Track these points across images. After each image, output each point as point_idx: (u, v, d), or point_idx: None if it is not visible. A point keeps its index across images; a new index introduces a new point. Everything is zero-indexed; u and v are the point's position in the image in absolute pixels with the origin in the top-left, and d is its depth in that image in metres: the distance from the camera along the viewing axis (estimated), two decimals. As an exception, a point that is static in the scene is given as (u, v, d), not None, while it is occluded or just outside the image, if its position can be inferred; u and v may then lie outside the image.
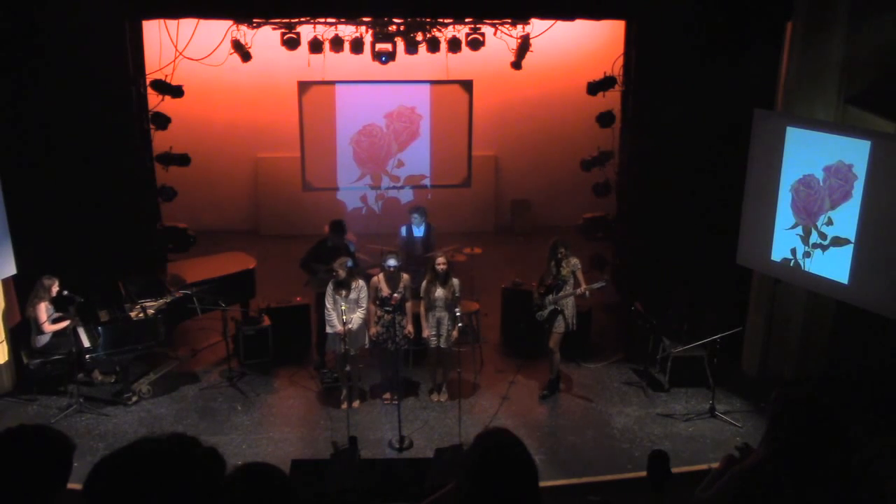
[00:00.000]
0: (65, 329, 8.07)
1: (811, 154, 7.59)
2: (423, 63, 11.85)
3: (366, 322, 8.04)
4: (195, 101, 10.99)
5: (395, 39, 10.98)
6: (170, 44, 10.22)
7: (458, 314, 7.82)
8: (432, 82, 12.70)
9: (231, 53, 10.89)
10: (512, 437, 2.48)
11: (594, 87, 10.33)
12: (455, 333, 8.00)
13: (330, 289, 7.93)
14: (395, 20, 10.80)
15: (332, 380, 8.61)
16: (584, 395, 8.56)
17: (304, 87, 12.52)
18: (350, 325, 7.77)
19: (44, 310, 8.02)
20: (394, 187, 13.31)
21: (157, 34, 10.16)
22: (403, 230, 9.93)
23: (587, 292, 8.16)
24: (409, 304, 8.13)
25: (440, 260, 8.00)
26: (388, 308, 7.99)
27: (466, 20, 10.75)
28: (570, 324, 8.21)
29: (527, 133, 13.12)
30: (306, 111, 12.71)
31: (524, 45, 11.25)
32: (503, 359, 9.39)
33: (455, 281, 8.06)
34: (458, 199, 13.29)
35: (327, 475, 6.79)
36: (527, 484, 2.41)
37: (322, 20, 10.65)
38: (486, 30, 11.07)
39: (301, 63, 11.44)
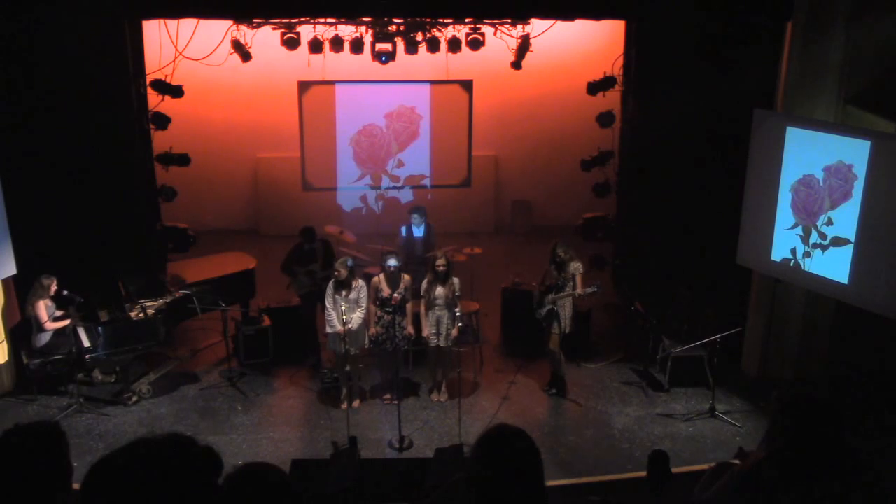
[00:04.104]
0: (65, 329, 8.08)
1: (811, 154, 7.59)
2: (423, 63, 11.86)
3: (366, 322, 8.04)
4: (195, 101, 11.00)
5: (395, 39, 10.98)
6: (170, 44, 10.22)
7: (458, 313, 7.83)
8: (432, 82, 12.70)
9: (231, 53, 10.89)
10: (517, 429, 2.49)
11: (594, 87, 10.35)
12: (455, 332, 8.00)
13: (330, 289, 7.92)
14: (395, 20, 10.80)
15: (332, 380, 8.62)
16: (583, 395, 8.56)
17: (304, 87, 12.53)
18: (350, 325, 7.77)
19: (44, 308, 8.02)
20: (394, 187, 13.31)
21: (157, 34, 10.17)
22: (403, 230, 9.93)
23: (582, 296, 8.15)
24: (409, 305, 8.13)
25: (440, 261, 8.00)
26: (388, 309, 7.99)
27: (466, 20, 10.75)
28: (564, 326, 8.20)
29: (527, 133, 13.12)
30: (306, 111, 12.71)
31: (524, 45, 11.24)
32: (503, 359, 9.39)
33: (455, 280, 8.05)
34: (458, 199, 13.29)
35: (327, 475, 6.79)
36: (532, 472, 2.41)
37: (322, 20, 10.65)
38: (486, 30, 11.06)
39: (301, 63, 11.45)
